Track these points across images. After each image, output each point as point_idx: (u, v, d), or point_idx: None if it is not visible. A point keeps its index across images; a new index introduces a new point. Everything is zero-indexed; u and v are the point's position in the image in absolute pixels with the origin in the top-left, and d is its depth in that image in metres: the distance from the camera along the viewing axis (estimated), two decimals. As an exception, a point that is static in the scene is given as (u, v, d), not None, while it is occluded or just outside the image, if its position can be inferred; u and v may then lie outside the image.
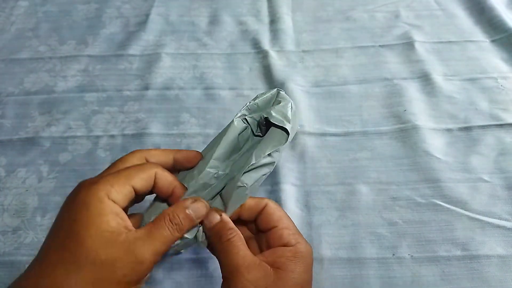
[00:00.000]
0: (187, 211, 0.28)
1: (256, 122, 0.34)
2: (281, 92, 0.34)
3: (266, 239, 0.30)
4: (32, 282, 0.24)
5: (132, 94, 0.57)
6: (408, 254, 0.41)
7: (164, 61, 0.61)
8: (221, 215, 0.29)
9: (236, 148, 0.34)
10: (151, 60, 0.61)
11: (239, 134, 0.33)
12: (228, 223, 0.29)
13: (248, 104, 0.34)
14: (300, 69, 0.60)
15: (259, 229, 0.31)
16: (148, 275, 0.26)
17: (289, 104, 0.33)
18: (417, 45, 0.61)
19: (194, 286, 0.40)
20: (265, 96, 0.34)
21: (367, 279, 0.40)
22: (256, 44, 0.63)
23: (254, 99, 0.34)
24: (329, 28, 0.66)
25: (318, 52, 0.62)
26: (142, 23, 0.67)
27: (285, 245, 0.29)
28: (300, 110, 0.53)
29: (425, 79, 0.57)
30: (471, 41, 0.62)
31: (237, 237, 0.28)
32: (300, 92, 0.56)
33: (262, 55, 0.61)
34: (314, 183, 0.47)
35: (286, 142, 0.31)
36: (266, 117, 0.32)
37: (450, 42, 0.62)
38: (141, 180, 0.28)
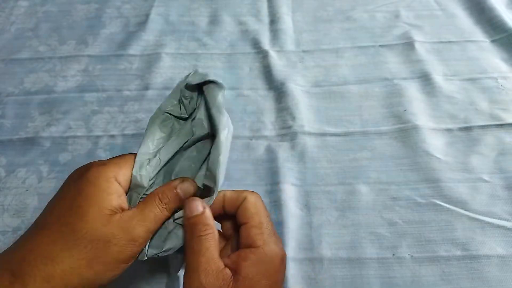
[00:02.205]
0: (175, 190, 0.29)
1: (179, 106, 0.33)
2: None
3: (239, 236, 0.29)
4: (27, 249, 0.24)
5: (132, 94, 0.57)
6: (408, 254, 0.41)
7: (164, 61, 0.61)
8: (204, 208, 0.28)
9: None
10: (151, 60, 0.61)
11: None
12: (207, 218, 0.28)
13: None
14: (300, 69, 0.60)
15: (239, 224, 0.30)
16: (138, 252, 0.27)
17: (196, 71, 0.33)
18: (417, 45, 0.61)
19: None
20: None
21: (367, 279, 0.40)
22: (256, 44, 0.63)
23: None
24: (329, 28, 0.66)
25: (318, 52, 0.62)
26: (142, 23, 0.67)
27: (250, 246, 0.28)
28: (300, 110, 0.53)
29: (425, 79, 0.57)
30: (471, 41, 0.62)
31: (210, 236, 0.27)
32: (300, 92, 0.56)
33: (262, 55, 0.61)
34: (314, 183, 0.47)
35: (222, 90, 0.31)
36: (186, 84, 0.32)
37: (450, 42, 0.62)
38: None
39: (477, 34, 0.63)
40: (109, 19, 0.68)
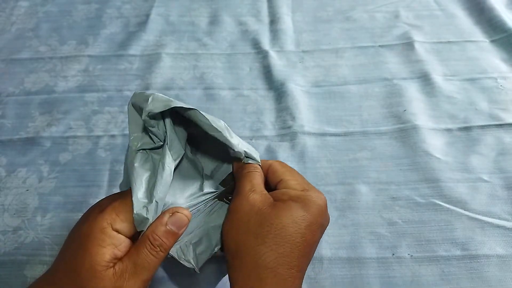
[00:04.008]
0: (167, 227, 0.27)
1: (148, 137, 0.30)
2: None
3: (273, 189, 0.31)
4: None
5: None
6: (408, 254, 0.41)
7: (165, 61, 0.61)
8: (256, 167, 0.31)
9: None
10: (151, 60, 0.61)
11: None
12: (255, 165, 0.31)
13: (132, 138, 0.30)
14: (300, 69, 0.60)
15: (269, 189, 0.32)
16: None
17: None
18: (417, 45, 0.61)
19: (194, 286, 0.40)
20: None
21: (367, 279, 0.40)
22: (256, 44, 0.63)
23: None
24: (329, 28, 0.66)
25: (318, 52, 0.62)
26: (143, 23, 0.67)
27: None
28: (300, 110, 0.53)
29: (425, 79, 0.57)
30: (471, 41, 0.62)
31: (258, 174, 0.30)
32: (300, 92, 0.56)
33: (262, 55, 0.61)
34: (314, 183, 0.46)
35: (197, 111, 0.29)
36: (149, 113, 0.28)
37: (450, 42, 0.62)
38: None
39: (477, 34, 0.63)
40: (109, 19, 0.68)
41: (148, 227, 0.27)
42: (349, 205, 0.45)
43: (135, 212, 0.27)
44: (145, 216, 0.27)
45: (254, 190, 0.28)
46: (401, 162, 0.48)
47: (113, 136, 0.52)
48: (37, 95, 0.57)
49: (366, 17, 0.67)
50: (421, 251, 0.42)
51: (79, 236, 0.26)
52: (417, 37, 0.63)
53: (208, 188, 0.34)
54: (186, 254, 0.30)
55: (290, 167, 0.32)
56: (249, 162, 0.31)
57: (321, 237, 0.30)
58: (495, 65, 0.58)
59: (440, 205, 0.44)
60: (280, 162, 0.32)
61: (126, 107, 0.55)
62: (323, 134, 0.52)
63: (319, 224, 0.29)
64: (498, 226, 0.43)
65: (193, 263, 0.30)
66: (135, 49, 0.63)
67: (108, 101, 0.56)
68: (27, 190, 0.47)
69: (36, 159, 0.50)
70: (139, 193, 0.27)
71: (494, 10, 0.65)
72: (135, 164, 0.29)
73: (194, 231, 0.32)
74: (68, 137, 0.52)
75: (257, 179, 0.30)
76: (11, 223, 0.45)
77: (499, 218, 0.43)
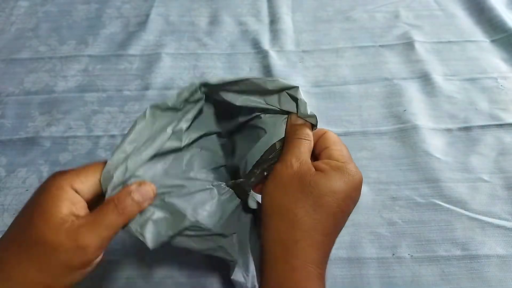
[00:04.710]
0: (132, 195, 0.28)
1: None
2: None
3: (317, 159, 0.31)
4: None
5: (132, 94, 0.57)
6: (408, 254, 0.41)
7: (164, 61, 0.61)
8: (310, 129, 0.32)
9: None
10: (151, 60, 0.61)
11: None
12: (309, 132, 0.31)
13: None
14: (300, 69, 0.60)
15: (314, 155, 0.32)
16: (99, 258, 0.27)
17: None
18: (417, 45, 0.61)
19: (194, 285, 0.40)
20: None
21: (367, 279, 0.40)
22: (256, 44, 0.63)
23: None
24: (329, 28, 0.66)
25: (318, 52, 0.62)
26: (142, 23, 0.67)
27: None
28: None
29: (425, 79, 0.57)
30: (471, 41, 0.62)
31: (308, 142, 0.31)
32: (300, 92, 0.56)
33: (262, 55, 0.61)
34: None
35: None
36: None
37: (450, 42, 0.62)
38: None
39: (477, 34, 0.63)
40: (109, 19, 0.68)
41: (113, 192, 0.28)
42: (349, 205, 0.45)
43: (107, 165, 0.28)
44: (111, 174, 0.28)
45: (300, 158, 0.29)
46: (401, 162, 0.48)
47: (113, 136, 0.52)
48: (37, 95, 0.57)
49: (366, 17, 0.67)
50: (421, 251, 0.42)
51: (37, 193, 0.27)
52: (417, 37, 0.63)
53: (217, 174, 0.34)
54: (143, 229, 0.29)
55: (339, 139, 0.33)
56: (304, 124, 0.31)
57: (352, 210, 0.30)
58: (495, 65, 0.58)
59: (440, 205, 0.44)
60: (333, 133, 0.33)
61: (125, 107, 0.55)
62: (323, 134, 0.51)
63: (354, 198, 0.30)
64: (498, 226, 0.43)
65: (146, 239, 0.29)
66: (135, 49, 0.63)
67: (108, 101, 0.56)
68: (27, 190, 0.47)
69: (36, 159, 0.50)
70: (121, 148, 0.29)
71: (494, 10, 0.65)
72: (142, 120, 0.30)
73: (158, 208, 0.31)
74: (68, 137, 0.52)
75: (305, 147, 0.30)
76: (11, 223, 0.45)
77: (499, 218, 0.43)
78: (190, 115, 0.31)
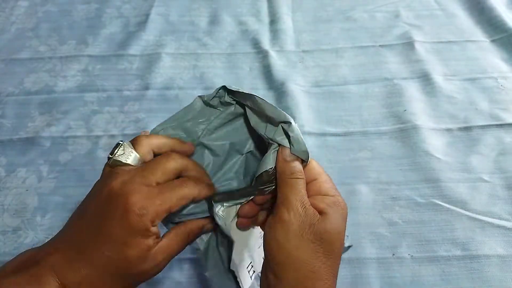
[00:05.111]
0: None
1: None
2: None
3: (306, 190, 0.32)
4: (62, 246, 0.27)
5: (132, 94, 0.57)
6: (408, 254, 0.41)
7: (164, 61, 0.61)
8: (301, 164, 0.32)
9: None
10: (151, 60, 0.61)
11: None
12: (300, 166, 0.31)
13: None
14: (300, 69, 0.60)
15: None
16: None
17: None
18: (417, 45, 0.61)
19: (194, 285, 0.40)
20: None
21: (367, 279, 0.40)
22: (256, 44, 0.63)
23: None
24: (329, 28, 0.66)
25: (318, 52, 0.62)
26: (142, 23, 0.67)
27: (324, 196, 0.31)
28: (300, 110, 0.53)
29: (425, 79, 0.57)
30: (471, 41, 0.62)
31: (303, 181, 0.30)
32: (300, 92, 0.56)
33: (262, 55, 0.61)
34: (314, 183, 0.47)
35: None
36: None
37: (450, 42, 0.62)
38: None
39: (477, 34, 0.63)
40: (109, 19, 0.68)
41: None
42: (349, 205, 0.44)
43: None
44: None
45: (303, 202, 0.29)
46: (401, 162, 0.48)
47: (113, 136, 0.52)
48: (37, 95, 0.57)
49: (366, 17, 0.67)
50: (422, 251, 0.42)
51: (115, 203, 0.27)
52: (417, 37, 0.63)
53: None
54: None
55: (322, 168, 0.33)
56: (296, 160, 0.31)
57: None
58: (496, 65, 0.58)
59: (440, 205, 0.44)
60: (316, 161, 0.33)
61: (125, 107, 0.55)
62: (323, 134, 0.51)
63: (344, 229, 0.30)
64: (499, 226, 0.43)
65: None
66: (135, 49, 0.63)
67: (108, 101, 0.56)
68: (27, 190, 0.47)
69: (35, 159, 0.50)
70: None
71: (494, 10, 0.65)
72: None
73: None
74: (68, 137, 0.52)
75: (303, 187, 0.30)
76: (11, 223, 0.45)
77: (500, 218, 0.43)
78: (219, 119, 0.34)
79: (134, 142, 0.31)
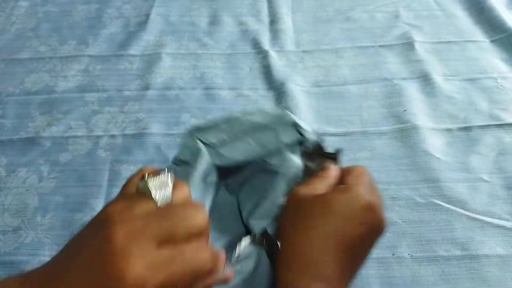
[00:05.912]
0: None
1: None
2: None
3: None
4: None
5: (133, 94, 0.57)
6: (408, 254, 0.41)
7: (165, 61, 0.61)
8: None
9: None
10: (151, 60, 0.61)
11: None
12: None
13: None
14: (300, 69, 0.60)
15: None
16: None
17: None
18: (417, 45, 0.61)
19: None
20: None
21: (367, 279, 0.40)
22: (256, 44, 0.63)
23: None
24: (329, 28, 0.66)
25: (318, 52, 0.62)
26: (143, 23, 0.67)
27: None
28: (300, 110, 0.53)
29: (425, 79, 0.57)
30: (471, 41, 0.62)
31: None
32: (300, 92, 0.56)
33: (262, 55, 0.61)
34: (314, 183, 0.47)
35: None
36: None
37: (450, 42, 0.62)
38: None
39: (477, 34, 0.63)
40: (109, 19, 0.68)
41: None
42: (349, 205, 0.45)
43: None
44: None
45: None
46: (401, 162, 0.48)
47: (113, 136, 0.52)
48: (37, 95, 0.57)
49: (366, 17, 0.67)
50: (421, 251, 0.42)
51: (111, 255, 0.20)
52: (417, 37, 0.63)
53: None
54: None
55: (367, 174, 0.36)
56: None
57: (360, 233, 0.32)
58: (495, 65, 0.58)
59: (440, 205, 0.44)
60: (362, 167, 0.37)
61: (126, 107, 0.55)
62: (323, 134, 0.51)
63: (355, 217, 0.33)
64: (498, 226, 0.43)
65: None
66: (135, 49, 0.63)
67: (108, 101, 0.56)
68: (27, 190, 0.47)
69: (36, 159, 0.50)
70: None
71: (494, 10, 0.65)
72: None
73: None
74: (68, 137, 0.52)
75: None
76: (11, 223, 0.45)
77: (499, 218, 0.43)
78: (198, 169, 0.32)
79: (176, 183, 0.24)
